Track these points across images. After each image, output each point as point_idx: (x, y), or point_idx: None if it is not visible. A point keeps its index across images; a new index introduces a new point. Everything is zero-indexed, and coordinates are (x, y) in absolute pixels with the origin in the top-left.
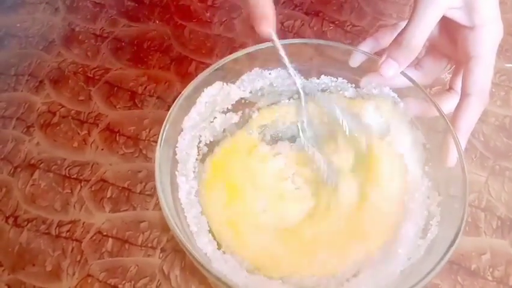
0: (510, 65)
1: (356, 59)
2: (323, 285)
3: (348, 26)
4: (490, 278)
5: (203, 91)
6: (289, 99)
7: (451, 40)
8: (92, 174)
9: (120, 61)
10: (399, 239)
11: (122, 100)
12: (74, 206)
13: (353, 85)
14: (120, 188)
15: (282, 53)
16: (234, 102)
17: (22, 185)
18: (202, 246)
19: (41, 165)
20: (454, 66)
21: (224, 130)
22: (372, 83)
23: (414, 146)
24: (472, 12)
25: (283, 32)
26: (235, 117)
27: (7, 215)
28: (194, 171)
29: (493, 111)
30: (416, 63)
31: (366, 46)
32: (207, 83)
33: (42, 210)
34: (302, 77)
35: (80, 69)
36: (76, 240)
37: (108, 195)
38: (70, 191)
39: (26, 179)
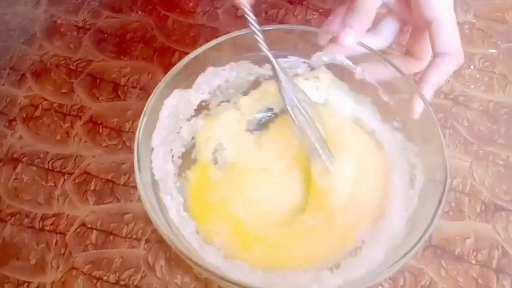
0: (494, 51)
1: (324, 38)
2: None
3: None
4: (473, 261)
5: (163, 104)
6: (243, 93)
7: (406, 4)
8: (76, 167)
9: (103, 53)
10: (392, 194)
11: (105, 92)
12: (58, 199)
13: (305, 60)
14: (104, 180)
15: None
16: (196, 107)
17: (5, 179)
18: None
19: (24, 159)
20: (411, 29)
21: (192, 138)
22: (374, 75)
23: (361, 106)
24: None
25: (267, 21)
26: (200, 122)
27: None
28: (176, 187)
29: (476, 96)
30: (374, 28)
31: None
32: (165, 94)
33: (26, 204)
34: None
35: (62, 62)
36: (60, 233)
37: (92, 188)
38: (53, 184)
39: (9, 173)
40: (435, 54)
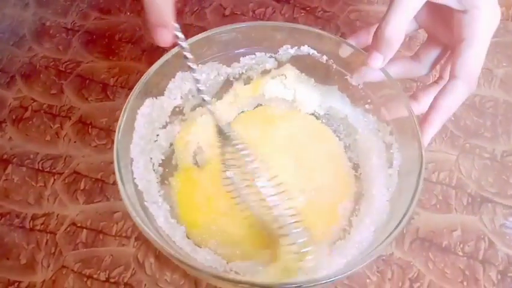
0: None
1: (346, 50)
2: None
3: (319, 11)
4: (460, 253)
5: (137, 114)
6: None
7: (446, 26)
8: (65, 167)
9: (91, 54)
10: (371, 175)
11: (94, 92)
12: (48, 199)
13: (271, 55)
14: (93, 180)
15: (189, 55)
16: (170, 114)
17: None
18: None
19: (14, 160)
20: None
21: (171, 144)
22: (363, 78)
23: (330, 95)
24: None
25: (255, 20)
26: (176, 127)
27: None
28: (160, 195)
29: None
30: (414, 54)
31: (357, 38)
32: (138, 104)
33: (16, 204)
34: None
35: (51, 63)
36: (50, 232)
37: (81, 187)
38: (43, 185)
39: None
40: (450, 77)
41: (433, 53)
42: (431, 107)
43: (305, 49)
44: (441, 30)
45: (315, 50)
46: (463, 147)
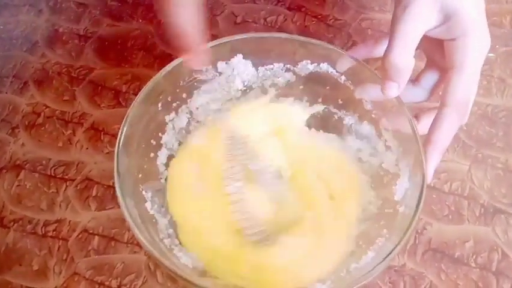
0: (491, 55)
1: (344, 64)
2: None
3: (330, 20)
4: (473, 264)
5: None
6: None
7: (442, 51)
8: (78, 173)
9: (104, 60)
10: None
11: (106, 99)
12: (60, 205)
13: (289, 67)
14: (105, 186)
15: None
16: None
17: (8, 186)
18: None
19: (27, 166)
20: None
21: None
22: (368, 95)
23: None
24: (452, 25)
25: (267, 27)
26: None
27: None
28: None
29: (475, 100)
30: (414, 79)
31: (357, 52)
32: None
33: (29, 210)
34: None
35: (64, 70)
36: (62, 239)
37: (93, 194)
38: (55, 191)
39: (12, 179)
40: (440, 105)
41: (432, 77)
42: (428, 141)
43: (324, 67)
44: (438, 55)
45: (334, 69)
46: (475, 157)
